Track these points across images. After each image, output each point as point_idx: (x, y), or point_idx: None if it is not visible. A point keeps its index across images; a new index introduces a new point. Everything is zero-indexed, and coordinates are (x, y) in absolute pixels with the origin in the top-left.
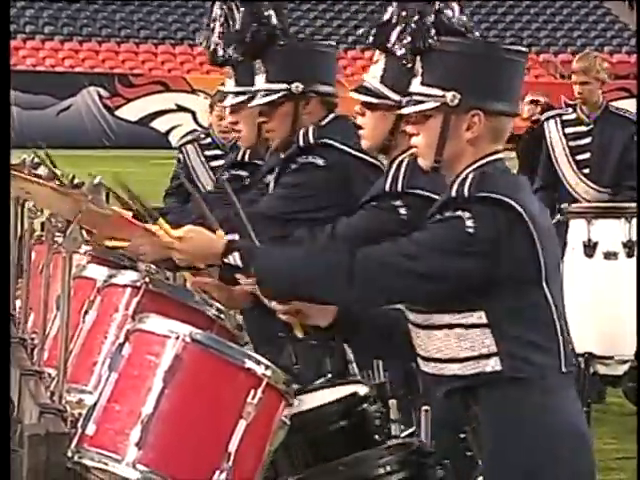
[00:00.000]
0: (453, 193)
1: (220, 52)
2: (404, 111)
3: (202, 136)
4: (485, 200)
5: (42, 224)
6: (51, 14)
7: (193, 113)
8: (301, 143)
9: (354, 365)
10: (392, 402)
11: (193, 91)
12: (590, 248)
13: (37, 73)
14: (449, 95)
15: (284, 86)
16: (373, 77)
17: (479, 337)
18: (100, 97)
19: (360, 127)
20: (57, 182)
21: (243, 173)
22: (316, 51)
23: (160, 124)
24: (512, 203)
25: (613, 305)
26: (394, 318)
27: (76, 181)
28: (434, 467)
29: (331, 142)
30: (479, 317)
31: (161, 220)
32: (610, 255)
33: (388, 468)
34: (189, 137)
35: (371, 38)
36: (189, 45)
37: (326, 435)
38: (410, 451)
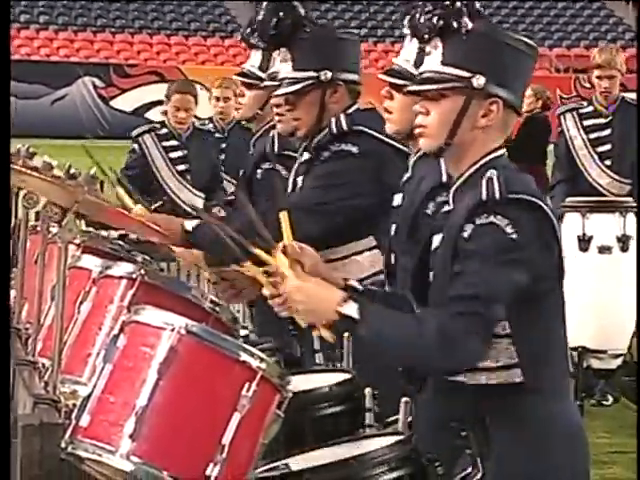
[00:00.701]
0: (484, 196)
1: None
2: (418, 88)
3: (158, 126)
4: (519, 202)
5: (37, 214)
6: (46, 3)
7: None
8: (334, 130)
9: (321, 355)
10: (367, 391)
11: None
12: (585, 242)
13: (32, 62)
14: (475, 78)
15: (312, 74)
16: (405, 60)
17: (501, 347)
18: (95, 87)
19: (387, 111)
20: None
21: (279, 167)
22: (342, 39)
23: (155, 114)
24: (540, 203)
25: (607, 299)
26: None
27: (72, 171)
28: (434, 464)
29: (365, 129)
30: (503, 327)
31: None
32: (604, 249)
33: (388, 465)
34: (145, 127)
35: (406, 20)
36: (184, 36)
37: (320, 418)
38: (412, 448)
